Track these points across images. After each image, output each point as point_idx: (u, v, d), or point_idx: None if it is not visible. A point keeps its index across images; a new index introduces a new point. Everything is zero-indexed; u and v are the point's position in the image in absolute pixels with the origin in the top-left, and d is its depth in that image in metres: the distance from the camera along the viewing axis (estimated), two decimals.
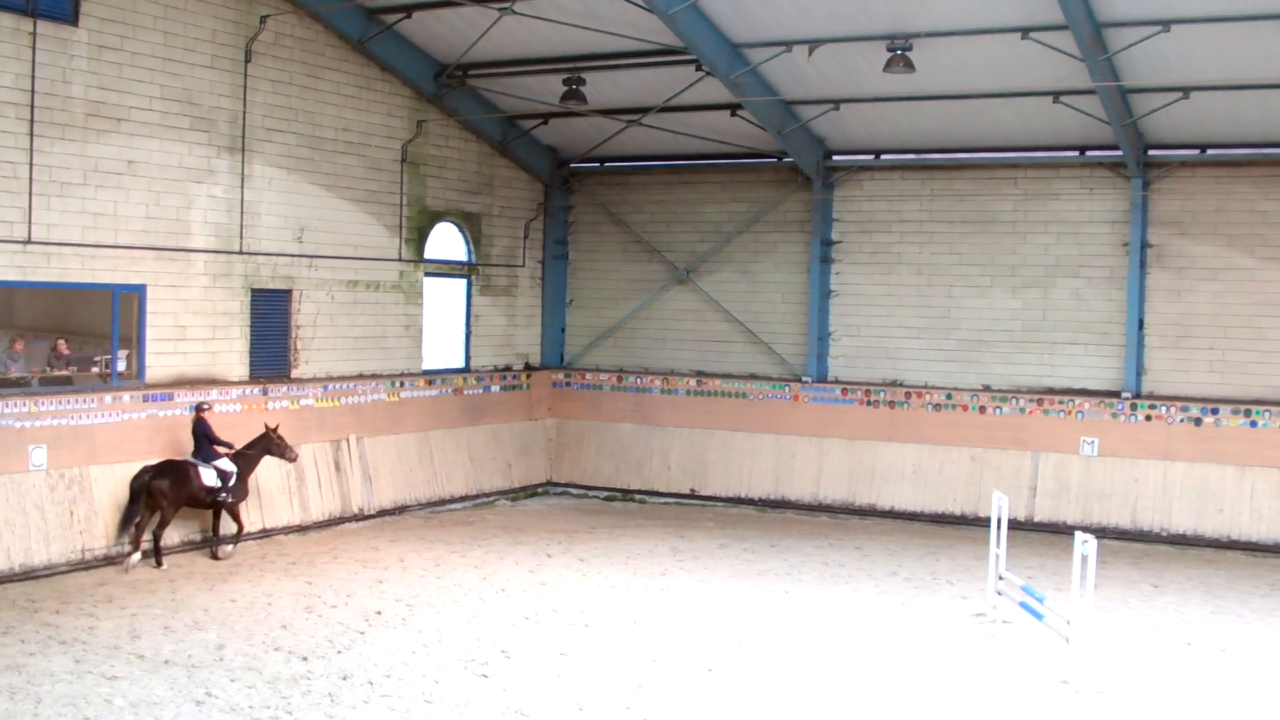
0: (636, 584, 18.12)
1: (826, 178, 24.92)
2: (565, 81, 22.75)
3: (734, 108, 23.25)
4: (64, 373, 18.72)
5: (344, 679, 13.33)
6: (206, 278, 20.20)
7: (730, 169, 26.03)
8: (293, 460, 20.02)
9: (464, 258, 25.44)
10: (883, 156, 24.73)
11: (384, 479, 22.90)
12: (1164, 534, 22.29)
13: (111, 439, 18.76)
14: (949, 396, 24.03)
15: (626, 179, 27.11)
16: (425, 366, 24.36)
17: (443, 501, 24.07)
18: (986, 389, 23.89)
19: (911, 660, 14.64)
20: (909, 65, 19.96)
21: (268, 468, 20.02)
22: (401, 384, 23.63)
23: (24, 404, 17.81)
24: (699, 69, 21.84)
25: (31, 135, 17.77)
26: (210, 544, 19.26)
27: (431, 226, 24.45)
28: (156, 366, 19.53)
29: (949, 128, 23.30)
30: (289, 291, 21.57)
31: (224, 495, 18.95)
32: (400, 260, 23.65)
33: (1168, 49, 19.14)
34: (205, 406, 19.30)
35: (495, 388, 25.93)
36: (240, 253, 20.63)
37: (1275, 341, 22.05)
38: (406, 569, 18.64)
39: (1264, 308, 22.11)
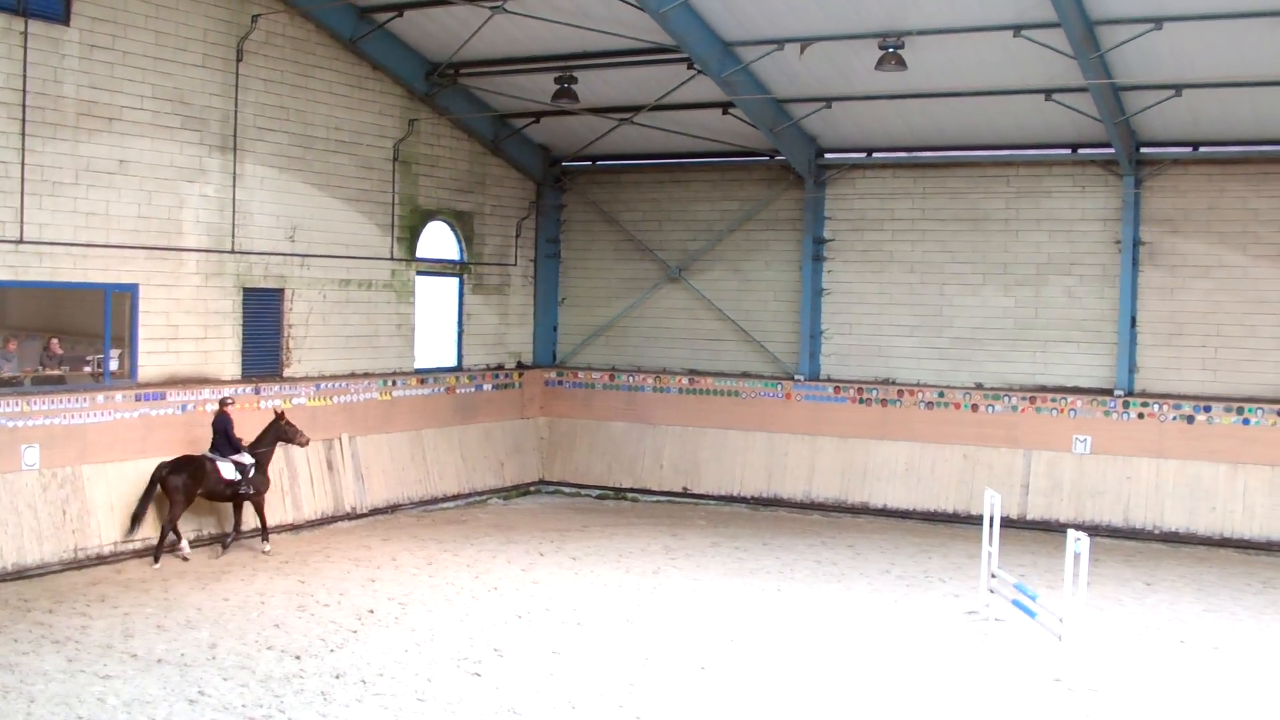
0: (629, 582, 18.13)
1: (818, 176, 24.93)
2: (557, 80, 22.75)
3: (726, 106, 23.26)
4: (56, 372, 18.69)
5: (337, 677, 13.33)
6: (199, 277, 20.18)
7: (722, 167, 26.03)
8: (304, 445, 20.23)
9: (456, 256, 25.42)
10: (875, 154, 24.73)
11: (376, 478, 22.88)
12: (1156, 532, 22.33)
13: (104, 438, 18.74)
14: (941, 394, 24.06)
15: (618, 177, 27.11)
16: (417, 365, 24.35)
17: (435, 500, 24.06)
18: (979, 387, 23.91)
19: (904, 658, 14.66)
20: (901, 63, 19.96)
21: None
22: (394, 383, 23.62)
23: (16, 403, 17.78)
24: (690, 67, 21.84)
25: (23, 134, 17.74)
26: (225, 538, 19.40)
27: (423, 225, 24.43)
28: (149, 366, 19.51)
29: (941, 126, 23.31)
30: (281, 291, 21.55)
31: (244, 488, 19.18)
32: (392, 259, 23.64)
33: (1160, 46, 19.16)
34: (229, 402, 19.57)
35: (487, 386, 25.92)
36: (232, 252, 20.61)
37: (1267, 339, 22.09)
38: (399, 568, 18.63)
39: (1256, 305, 22.15)
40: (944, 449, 23.93)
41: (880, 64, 20.06)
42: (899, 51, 19.89)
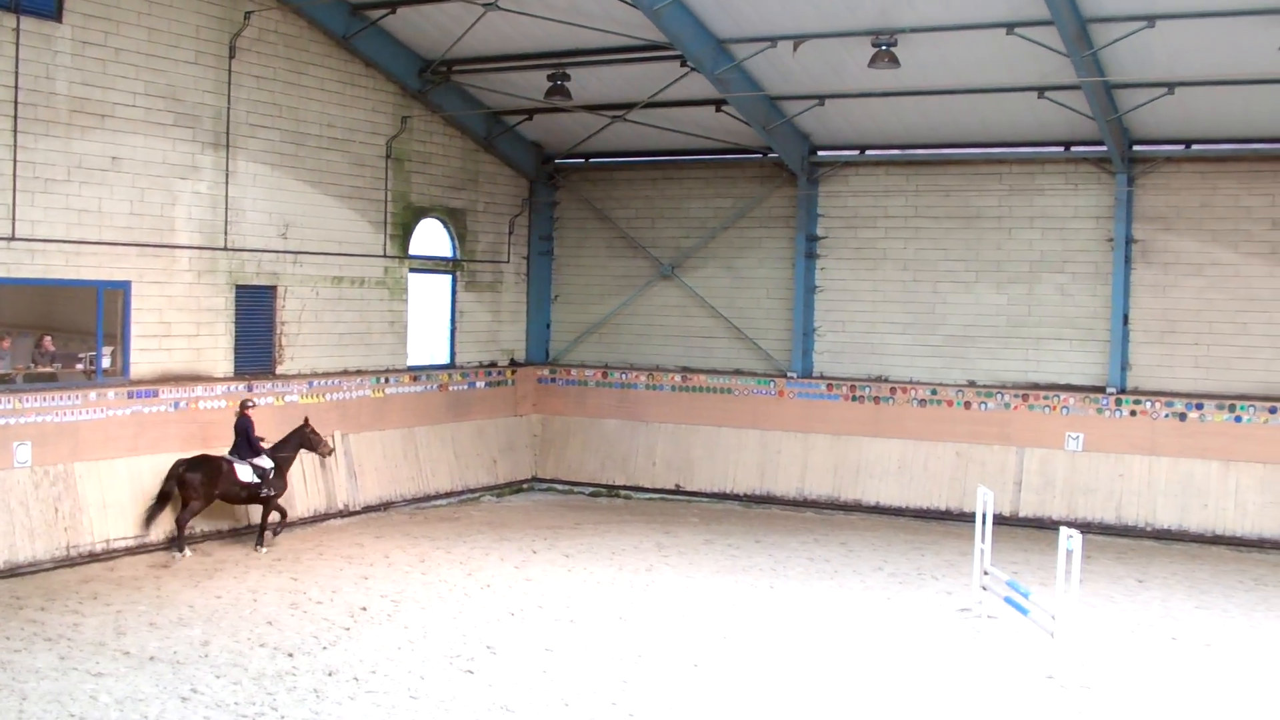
0: (622, 579, 18.13)
1: (811, 173, 24.94)
2: (550, 77, 22.74)
3: (719, 103, 23.26)
4: (49, 369, 18.66)
5: (329, 675, 13.32)
6: (191, 274, 20.15)
7: (715, 165, 26.03)
8: (327, 454, 20.56)
9: (449, 254, 25.40)
10: (868, 152, 24.75)
11: (369, 475, 22.86)
12: (1149, 529, 22.36)
13: (96, 436, 18.72)
14: (934, 392, 24.08)
15: (611, 175, 27.10)
16: (410, 363, 24.33)
17: (428, 498, 24.05)
18: (971, 384, 23.94)
19: (897, 655, 14.67)
20: (894, 61, 19.97)
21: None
22: (386, 380, 23.60)
23: (8, 401, 17.75)
24: (684, 64, 21.83)
25: (15, 131, 17.69)
26: (257, 536, 19.55)
27: (416, 222, 24.42)
28: (141, 363, 19.48)
29: (934, 123, 23.33)
30: (274, 288, 21.53)
31: (265, 490, 19.34)
32: (385, 256, 23.61)
33: (1152, 44, 19.19)
34: (250, 404, 19.74)
35: (480, 384, 25.92)
36: (225, 249, 20.59)
37: (1259, 337, 22.14)
38: (392, 565, 18.62)
39: (1248, 303, 22.19)
40: (937, 446, 23.95)
41: (873, 61, 20.06)
42: (892, 49, 19.90)
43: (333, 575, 17.85)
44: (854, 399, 24.63)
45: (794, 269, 25.18)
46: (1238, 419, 22.02)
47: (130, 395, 19.22)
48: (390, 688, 12.97)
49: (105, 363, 19.12)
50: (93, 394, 18.74)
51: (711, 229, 26.03)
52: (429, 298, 24.96)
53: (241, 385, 20.77)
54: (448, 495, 24.49)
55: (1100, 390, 22.98)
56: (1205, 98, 20.92)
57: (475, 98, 24.78)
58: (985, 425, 23.64)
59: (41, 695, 12.47)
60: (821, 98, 22.80)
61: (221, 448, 19.75)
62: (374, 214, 23.37)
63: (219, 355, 20.64)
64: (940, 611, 16.79)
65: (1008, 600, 15.40)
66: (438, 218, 25.00)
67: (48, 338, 18.75)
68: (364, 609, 16.05)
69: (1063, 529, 13.90)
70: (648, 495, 25.78)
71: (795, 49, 20.86)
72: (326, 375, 22.41)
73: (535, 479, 26.83)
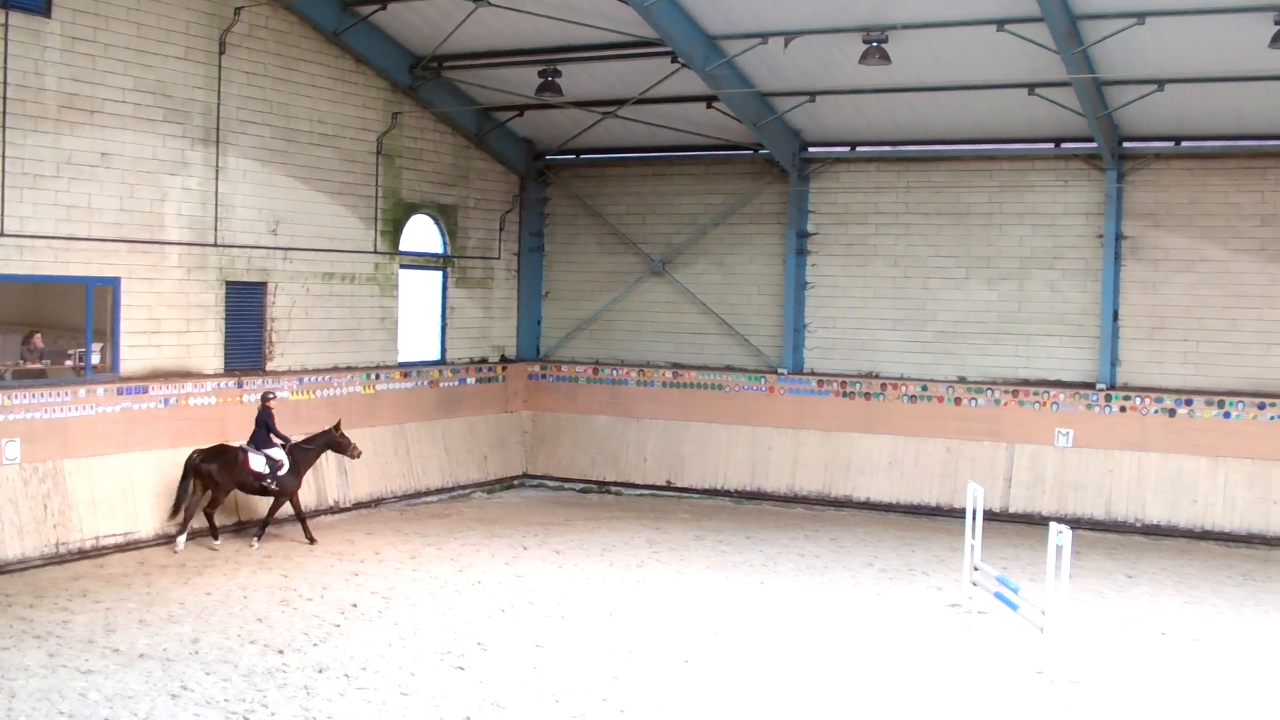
0: (612, 576, 18.13)
1: (802, 170, 24.95)
2: (541, 73, 22.73)
3: (709, 100, 23.25)
4: (38, 366, 18.62)
5: (320, 672, 13.31)
6: (181, 270, 20.12)
7: (706, 161, 26.04)
8: (355, 457, 20.67)
9: (439, 250, 25.38)
10: (858, 149, 24.76)
11: (359, 472, 22.83)
12: (1138, 524, 22.41)
13: (86, 432, 18.68)
14: (924, 388, 24.11)
15: (602, 171, 27.10)
16: (401, 359, 24.31)
17: (418, 494, 24.04)
18: (962, 380, 23.97)
19: (887, 651, 14.69)
20: (885, 57, 19.99)
21: None
22: (377, 376, 23.58)
23: None
24: (674, 61, 21.83)
25: (4, 127, 17.65)
26: (259, 527, 19.71)
27: (407, 219, 24.39)
28: (131, 359, 19.44)
29: (925, 120, 23.35)
30: (264, 284, 21.50)
31: (268, 482, 19.41)
32: (375, 252, 23.59)
33: (1142, 41, 19.22)
34: (271, 396, 19.90)
35: (471, 380, 25.90)
36: (215, 245, 20.55)
37: (1248, 333, 22.19)
38: (382, 561, 18.61)
39: (1237, 299, 22.24)
40: (927, 442, 23.98)
41: (864, 58, 20.09)
42: (883, 45, 19.92)
43: (323, 572, 17.83)
44: (845, 395, 24.66)
45: (785, 265, 25.19)
46: (1227, 415, 22.08)
47: (120, 392, 19.18)
48: (381, 684, 12.97)
49: (95, 359, 19.08)
50: (82, 390, 18.70)
51: (702, 225, 26.03)
52: (420, 294, 24.94)
53: (231, 382, 20.74)
54: (438, 492, 24.48)
55: (1090, 386, 23.03)
56: (1195, 94, 20.95)
57: (466, 94, 24.76)
58: (975, 421, 23.68)
59: (30, 693, 12.44)
60: (812, 94, 22.80)
61: (212, 445, 19.79)
62: (364, 210, 23.34)
63: (209, 352, 20.60)
64: (930, 607, 16.81)
65: (998, 595, 15.43)
66: (428, 214, 24.98)
67: (37, 335, 18.70)
68: (355, 605, 16.04)
69: (1052, 524, 13.92)
70: (638, 491, 25.78)
71: (786, 45, 20.86)
72: (317, 372, 22.39)
73: (526, 475, 26.82)
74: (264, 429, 19.56)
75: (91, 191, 18.77)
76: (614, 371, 26.61)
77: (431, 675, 13.31)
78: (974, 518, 16.26)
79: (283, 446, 19.64)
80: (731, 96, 22.57)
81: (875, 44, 19.91)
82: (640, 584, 17.70)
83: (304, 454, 19.98)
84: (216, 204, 20.52)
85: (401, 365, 24.25)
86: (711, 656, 14.26)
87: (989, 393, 23.64)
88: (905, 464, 24.09)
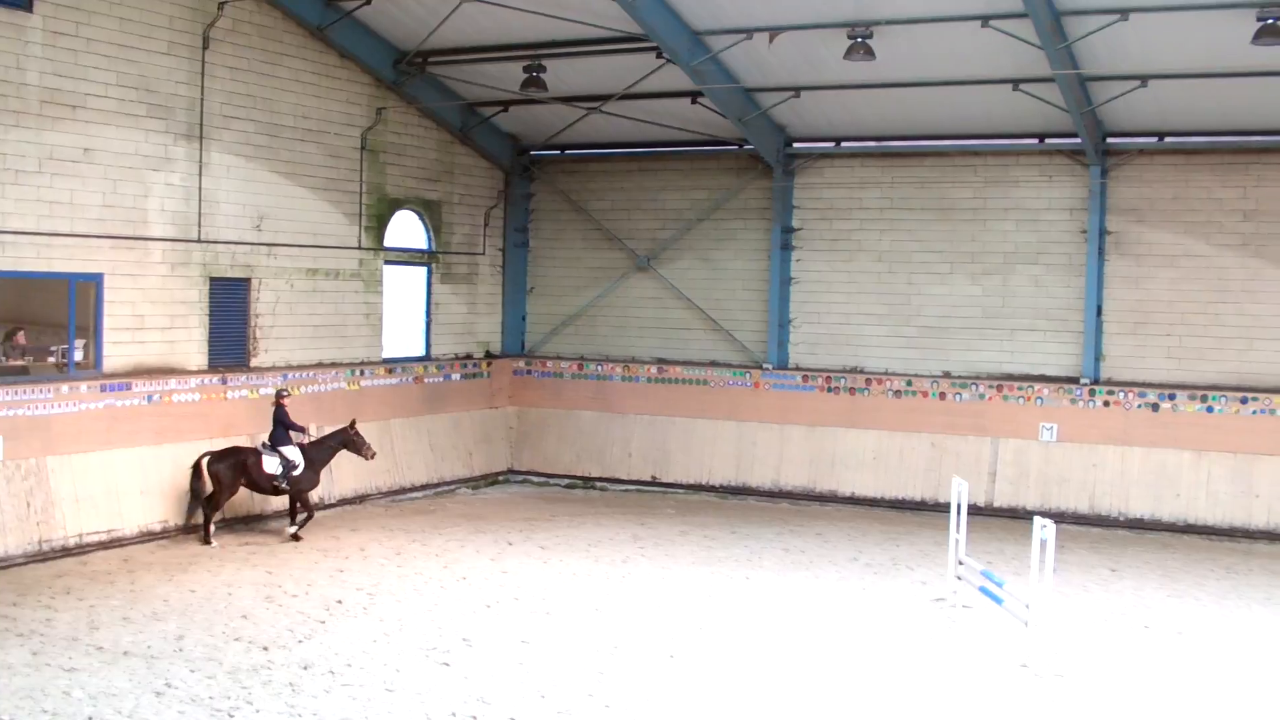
0: (598, 571, 18.14)
1: (787, 165, 24.96)
2: (525, 69, 22.70)
3: (695, 95, 23.25)
4: (20, 363, 18.54)
5: (305, 668, 13.29)
6: (164, 266, 20.05)
7: (691, 156, 26.03)
8: (370, 458, 20.75)
9: (424, 246, 25.35)
10: (843, 144, 24.76)
11: (344, 468, 22.73)
12: (1122, 519, 22.49)
13: (69, 429, 18.60)
14: (909, 383, 24.15)
15: (587, 167, 27.07)
16: (385, 355, 24.27)
17: (403, 490, 24.01)
18: (947, 375, 24.01)
19: (872, 645, 14.72)
20: (870, 53, 19.99)
21: None
22: (361, 373, 23.54)
23: None
24: (660, 56, 21.81)
25: None
26: (291, 520, 19.86)
27: (391, 214, 24.35)
28: (114, 356, 19.37)
29: (909, 115, 23.37)
30: (248, 280, 21.44)
31: (281, 482, 19.57)
32: (360, 248, 23.55)
33: (1126, 37, 19.26)
34: (285, 394, 20.05)
35: (456, 376, 25.87)
36: (198, 241, 20.49)
37: (1231, 328, 22.27)
38: (367, 558, 18.58)
39: (1220, 294, 22.32)
40: (912, 437, 24.02)
41: (849, 53, 20.09)
42: (868, 41, 19.92)
43: (308, 568, 17.80)
44: (829, 390, 24.69)
45: (769, 261, 25.20)
46: (1210, 409, 22.16)
47: (103, 388, 19.11)
48: (366, 680, 12.95)
49: (77, 356, 19.01)
50: (65, 387, 18.63)
51: (687, 221, 26.03)
52: (404, 290, 24.90)
53: (215, 379, 20.69)
54: (423, 488, 24.45)
55: (1074, 381, 23.09)
56: (1178, 91, 21.01)
57: (451, 89, 24.71)
58: (960, 416, 23.72)
59: (14, 691, 12.40)
60: (797, 90, 22.81)
61: (195, 441, 19.75)
62: (349, 206, 23.29)
63: (192, 348, 20.54)
64: (915, 601, 16.85)
65: (982, 590, 15.47)
66: (413, 210, 24.94)
67: (20, 332, 18.61)
68: (339, 602, 16.01)
69: (1037, 519, 13.95)
70: (624, 487, 25.78)
71: (771, 41, 20.86)
72: (301, 368, 22.33)
73: (511, 471, 26.80)
74: (281, 427, 19.73)
75: (74, 187, 18.69)
76: (599, 367, 26.61)
77: (417, 671, 13.30)
78: (959, 512, 16.30)
79: (299, 443, 19.82)
80: (716, 92, 22.57)
81: (860, 39, 19.92)
82: (625, 579, 17.71)
83: (320, 452, 20.16)
84: (200, 200, 20.46)
85: (386, 361, 24.21)
86: (697, 651, 14.27)
87: (973, 387, 23.69)
88: (890, 459, 24.13)
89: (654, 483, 25.72)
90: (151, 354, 19.92)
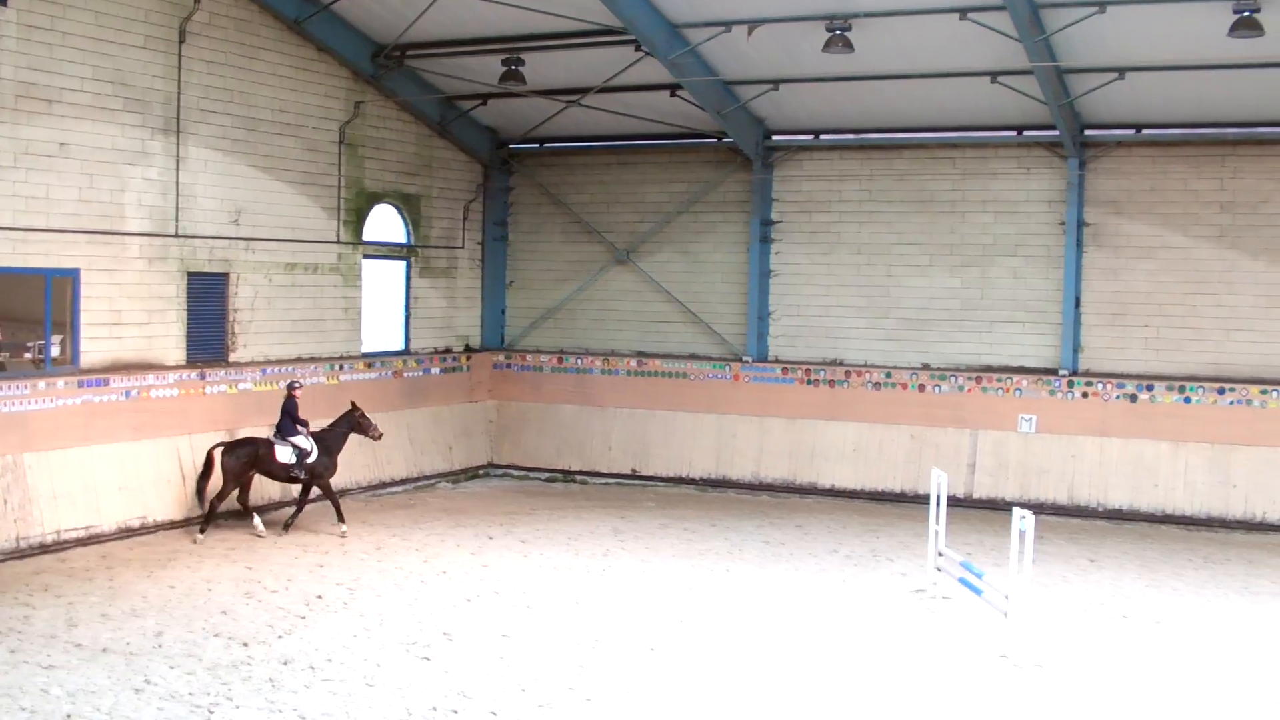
0: (578, 565, 18.14)
1: (766, 158, 24.97)
2: (504, 62, 22.65)
3: (673, 88, 23.23)
4: None
5: (285, 664, 13.26)
6: (142, 261, 19.95)
7: (670, 149, 26.02)
8: (378, 438, 20.87)
9: (403, 239, 25.29)
10: (822, 136, 24.79)
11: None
12: (1100, 509, 22.59)
13: (46, 425, 18.50)
14: (889, 375, 24.20)
15: (566, 160, 27.04)
16: (364, 349, 24.21)
17: (383, 485, 23.96)
18: (926, 367, 24.07)
19: (852, 636, 14.76)
20: (848, 45, 20.00)
21: (202, 452, 19.79)
22: (340, 367, 23.48)
23: None
24: (638, 49, 21.78)
25: None
26: (290, 515, 20.03)
27: (370, 208, 24.28)
28: (91, 352, 19.27)
29: (888, 108, 23.40)
30: (226, 275, 21.36)
31: (296, 472, 19.69)
32: (338, 242, 23.47)
33: (1104, 30, 19.30)
34: (297, 386, 20.20)
35: (435, 370, 25.83)
36: (176, 236, 20.39)
37: (1208, 319, 22.38)
38: (347, 553, 18.55)
39: (1197, 285, 22.43)
40: (891, 429, 24.08)
41: (827, 46, 20.10)
42: (846, 34, 19.93)
43: (288, 564, 17.76)
44: (809, 383, 24.73)
45: (749, 253, 25.22)
46: (1187, 400, 22.27)
47: (80, 384, 19.02)
48: (346, 676, 12.93)
49: (54, 352, 18.90)
50: (42, 383, 18.54)
51: (667, 214, 26.03)
52: (383, 284, 24.83)
53: (194, 374, 20.62)
54: (403, 482, 24.41)
55: (1053, 372, 23.17)
56: (1155, 83, 21.08)
57: (429, 83, 24.65)
58: (939, 408, 23.79)
59: None
60: (776, 82, 22.81)
61: (174, 437, 19.68)
62: (327, 200, 23.22)
63: (171, 343, 20.46)
64: (895, 593, 16.90)
65: (962, 581, 15.51)
66: (392, 203, 24.87)
67: None
68: (319, 597, 15.98)
69: (1016, 510, 13.99)
70: (604, 480, 25.79)
71: (750, 33, 20.86)
72: (280, 363, 22.26)
73: (491, 465, 26.79)
74: (289, 418, 19.82)
75: (50, 182, 18.58)
76: (579, 360, 26.60)
77: (397, 666, 13.28)
78: (938, 504, 16.34)
79: (306, 433, 19.91)
80: (695, 85, 22.55)
81: (839, 32, 19.93)
82: (606, 573, 17.72)
83: (333, 438, 20.28)
84: (177, 194, 20.36)
85: (365, 356, 24.16)
86: (677, 644, 14.29)
87: (953, 379, 23.76)
88: (870, 451, 24.18)
89: (634, 476, 25.74)
90: (129, 349, 19.83)
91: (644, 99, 24.10)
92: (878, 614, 15.81)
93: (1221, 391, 22.07)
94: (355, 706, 12.06)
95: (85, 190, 19.05)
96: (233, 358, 21.48)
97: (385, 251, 24.80)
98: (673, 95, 23.55)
